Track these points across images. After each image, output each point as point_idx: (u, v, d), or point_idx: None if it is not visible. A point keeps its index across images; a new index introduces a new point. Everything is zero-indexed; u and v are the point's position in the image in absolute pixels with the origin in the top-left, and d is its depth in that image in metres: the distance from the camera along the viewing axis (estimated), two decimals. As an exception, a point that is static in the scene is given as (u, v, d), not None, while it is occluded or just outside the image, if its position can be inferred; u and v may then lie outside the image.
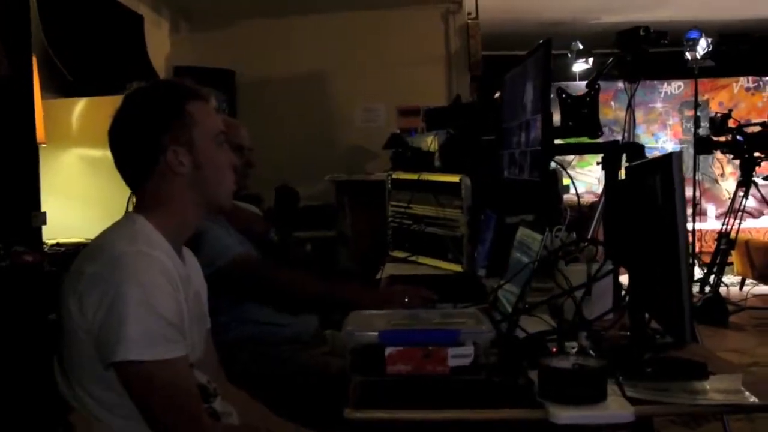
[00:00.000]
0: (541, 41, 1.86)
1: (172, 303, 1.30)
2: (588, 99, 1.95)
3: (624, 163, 1.83)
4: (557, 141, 2.15)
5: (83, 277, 1.29)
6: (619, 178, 1.84)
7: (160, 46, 5.34)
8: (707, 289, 5.54)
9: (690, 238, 6.23)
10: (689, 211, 6.43)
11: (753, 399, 1.26)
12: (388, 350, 1.22)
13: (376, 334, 1.24)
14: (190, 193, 1.44)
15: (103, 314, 1.25)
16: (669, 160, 1.33)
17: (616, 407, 1.21)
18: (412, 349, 1.22)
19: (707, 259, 5.88)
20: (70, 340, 1.31)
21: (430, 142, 2.90)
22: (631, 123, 2.93)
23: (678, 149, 7.25)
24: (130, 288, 1.25)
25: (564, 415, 1.18)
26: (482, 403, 1.25)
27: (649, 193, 1.47)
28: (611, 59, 2.57)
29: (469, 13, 5.93)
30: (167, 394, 1.29)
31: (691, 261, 5.98)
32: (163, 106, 1.43)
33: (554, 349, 1.40)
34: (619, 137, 5.99)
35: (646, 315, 1.56)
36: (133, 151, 1.43)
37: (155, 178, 1.42)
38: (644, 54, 2.65)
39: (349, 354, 1.26)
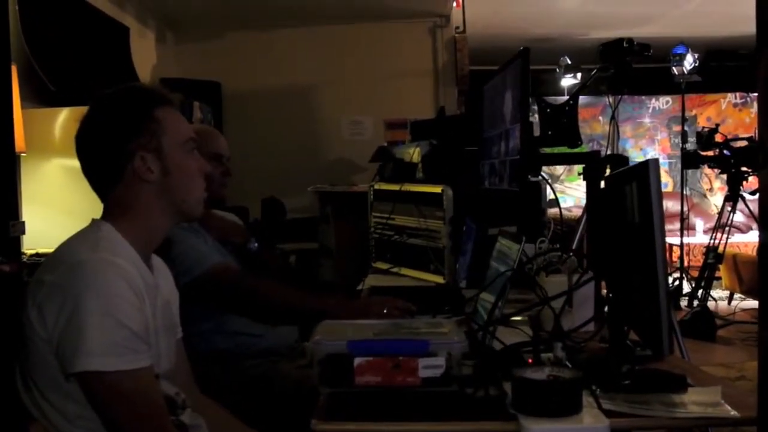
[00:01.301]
0: (520, 49, 1.84)
1: (134, 312, 1.27)
2: (567, 108, 1.94)
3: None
4: (544, 150, 2.13)
5: (43, 286, 1.26)
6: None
7: (146, 57, 5.32)
8: (695, 303, 5.53)
9: (678, 253, 6.24)
10: (677, 225, 6.43)
11: (733, 412, 1.23)
12: (357, 361, 1.19)
13: (344, 343, 1.20)
14: (158, 200, 1.41)
15: (63, 324, 1.22)
16: (646, 168, 1.31)
17: (590, 420, 1.18)
18: (381, 360, 1.19)
19: (695, 273, 5.88)
20: (31, 350, 1.27)
21: (413, 153, 2.88)
22: (614, 135, 2.92)
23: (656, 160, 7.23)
24: (90, 296, 1.21)
25: (536, 427, 1.15)
26: (453, 415, 1.22)
27: (626, 202, 1.45)
28: (594, 71, 2.55)
29: (457, 27, 5.94)
30: (130, 405, 1.26)
31: (679, 275, 5.98)
32: (132, 112, 1.40)
33: (530, 361, 1.37)
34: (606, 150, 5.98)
35: (626, 327, 1.53)
36: (101, 157, 1.40)
37: (123, 185, 1.39)
38: (628, 66, 2.63)
39: (317, 364, 1.22)
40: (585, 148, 2.07)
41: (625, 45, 2.55)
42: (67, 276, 1.24)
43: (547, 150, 2.09)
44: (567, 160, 2.23)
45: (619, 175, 1.57)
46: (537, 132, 2.10)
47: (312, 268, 4.62)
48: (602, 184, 1.92)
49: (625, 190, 1.45)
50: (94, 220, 1.40)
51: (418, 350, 1.21)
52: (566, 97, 2.06)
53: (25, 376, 1.31)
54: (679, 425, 1.24)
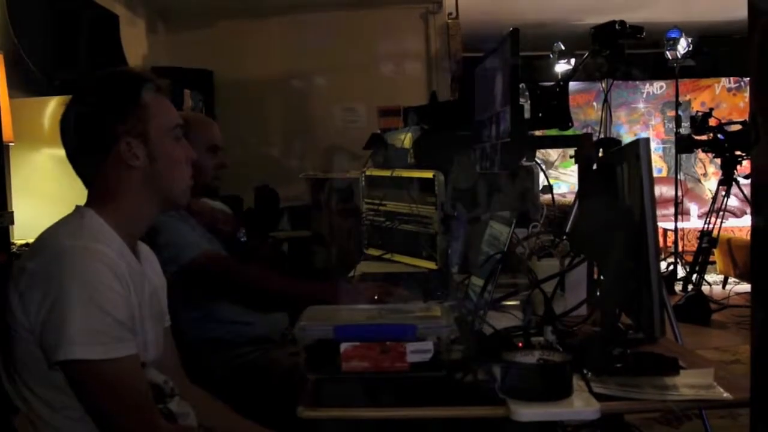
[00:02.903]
0: (509, 29, 1.82)
1: (118, 299, 1.24)
2: (558, 90, 1.91)
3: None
4: (537, 133, 2.11)
5: (25, 274, 1.24)
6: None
7: (137, 45, 5.28)
8: (689, 287, 5.53)
9: (673, 238, 6.23)
10: (671, 210, 6.42)
11: (726, 394, 1.22)
12: (344, 346, 1.17)
13: (331, 329, 1.19)
14: (143, 187, 1.38)
15: (46, 312, 1.20)
16: (636, 146, 1.29)
17: (580, 404, 1.17)
18: (368, 345, 1.17)
19: (690, 258, 5.88)
20: (14, 339, 1.25)
21: (404, 138, 2.85)
22: (607, 119, 2.90)
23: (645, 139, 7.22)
24: (73, 284, 1.19)
25: (526, 411, 1.13)
26: (442, 400, 1.20)
27: (617, 182, 1.43)
28: (586, 54, 2.54)
29: (450, 13, 5.91)
30: (116, 394, 1.24)
31: (673, 260, 5.98)
32: (118, 96, 1.38)
33: (520, 345, 1.36)
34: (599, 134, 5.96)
35: (618, 310, 1.52)
36: (86, 141, 1.37)
37: (107, 171, 1.36)
38: (620, 49, 2.62)
39: (303, 350, 1.21)
40: (577, 131, 2.05)
41: (617, 27, 2.53)
42: (49, 264, 1.22)
43: (539, 133, 2.07)
44: (558, 142, 2.21)
45: (611, 155, 1.56)
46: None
47: (305, 255, 4.60)
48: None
49: (617, 170, 1.44)
50: (77, 207, 1.37)
51: (406, 335, 1.19)
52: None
53: (9, 367, 1.29)
54: (672, 408, 1.23)
